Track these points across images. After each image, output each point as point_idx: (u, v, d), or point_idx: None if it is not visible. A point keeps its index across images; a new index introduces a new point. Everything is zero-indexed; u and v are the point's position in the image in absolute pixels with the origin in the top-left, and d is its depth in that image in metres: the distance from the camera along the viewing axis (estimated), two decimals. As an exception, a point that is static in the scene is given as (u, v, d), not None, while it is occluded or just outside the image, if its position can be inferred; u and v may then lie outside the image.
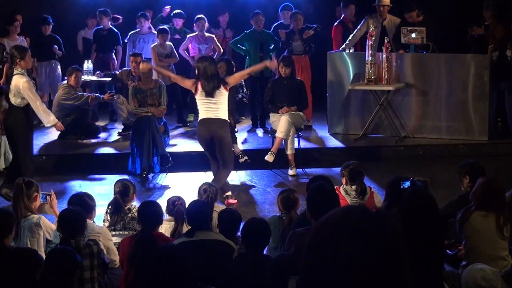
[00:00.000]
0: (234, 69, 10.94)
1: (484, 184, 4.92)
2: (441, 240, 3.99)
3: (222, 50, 10.96)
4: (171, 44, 10.81)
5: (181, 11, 11.50)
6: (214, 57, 10.74)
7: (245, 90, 10.89)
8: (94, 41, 11.62)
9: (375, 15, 10.10)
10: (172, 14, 11.56)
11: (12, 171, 7.40)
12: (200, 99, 7.27)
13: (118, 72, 10.47)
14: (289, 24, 10.49)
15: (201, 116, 7.33)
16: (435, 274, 3.77)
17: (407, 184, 5.39)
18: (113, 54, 11.62)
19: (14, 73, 7.27)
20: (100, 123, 10.76)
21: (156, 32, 11.26)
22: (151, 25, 11.43)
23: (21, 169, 7.29)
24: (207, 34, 10.86)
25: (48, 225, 5.44)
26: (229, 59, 9.48)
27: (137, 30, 11.31)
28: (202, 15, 10.94)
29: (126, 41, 11.38)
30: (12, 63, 7.32)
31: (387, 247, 1.39)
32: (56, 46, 11.17)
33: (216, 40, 10.95)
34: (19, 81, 7.23)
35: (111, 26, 11.52)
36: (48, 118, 7.56)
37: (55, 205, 5.88)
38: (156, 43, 10.72)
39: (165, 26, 10.91)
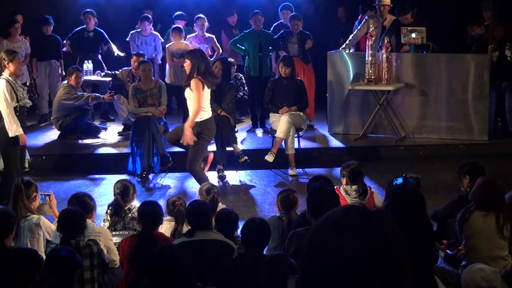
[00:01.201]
0: (235, 67, 10.97)
1: (483, 184, 4.92)
2: (429, 235, 3.98)
3: (221, 50, 10.95)
4: (187, 43, 10.77)
5: (183, 13, 11.47)
6: (213, 57, 10.78)
7: (246, 88, 10.90)
8: (75, 41, 11.27)
9: (375, 15, 10.11)
10: (173, 16, 11.54)
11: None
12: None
13: (118, 72, 10.46)
14: (288, 24, 10.47)
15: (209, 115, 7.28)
16: (426, 269, 3.77)
17: (399, 180, 5.40)
18: (99, 56, 11.47)
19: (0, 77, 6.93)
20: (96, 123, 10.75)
21: (157, 33, 11.28)
22: (151, 27, 11.40)
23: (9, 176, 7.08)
24: (207, 34, 10.86)
25: (48, 225, 5.44)
26: (225, 59, 9.47)
27: (137, 30, 11.28)
28: (201, 15, 10.93)
29: (128, 40, 11.35)
30: (1, 68, 6.95)
31: (387, 246, 1.39)
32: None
33: (215, 40, 10.94)
34: None
35: (94, 27, 11.42)
36: (11, 127, 6.94)
37: (55, 205, 5.87)
38: (171, 42, 10.71)
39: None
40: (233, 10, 12.04)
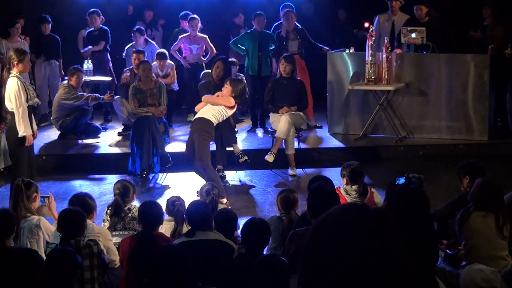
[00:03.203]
0: (237, 67, 10.96)
1: (482, 184, 4.92)
2: (431, 235, 3.98)
3: (215, 50, 10.95)
4: (172, 63, 10.75)
5: (189, 12, 11.46)
6: (207, 57, 10.82)
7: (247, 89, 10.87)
8: (89, 43, 11.39)
9: (386, 12, 10.18)
10: (180, 16, 11.54)
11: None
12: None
13: (123, 78, 10.39)
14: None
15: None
16: (427, 269, 3.78)
17: (401, 180, 5.40)
18: (108, 54, 11.52)
19: (10, 76, 6.91)
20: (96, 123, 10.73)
21: (152, 42, 11.28)
22: (147, 38, 11.37)
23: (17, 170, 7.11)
24: (199, 34, 10.86)
25: (48, 226, 5.43)
26: (226, 58, 9.47)
27: (132, 43, 11.22)
28: (195, 15, 10.95)
29: (123, 55, 11.32)
30: (9, 66, 6.96)
31: (386, 244, 1.39)
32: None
33: (208, 40, 10.93)
34: (10, 85, 6.90)
35: (100, 25, 11.42)
36: (20, 126, 6.92)
37: (54, 207, 5.87)
38: (155, 62, 10.62)
39: (161, 50, 10.85)
40: (238, 10, 12.08)
